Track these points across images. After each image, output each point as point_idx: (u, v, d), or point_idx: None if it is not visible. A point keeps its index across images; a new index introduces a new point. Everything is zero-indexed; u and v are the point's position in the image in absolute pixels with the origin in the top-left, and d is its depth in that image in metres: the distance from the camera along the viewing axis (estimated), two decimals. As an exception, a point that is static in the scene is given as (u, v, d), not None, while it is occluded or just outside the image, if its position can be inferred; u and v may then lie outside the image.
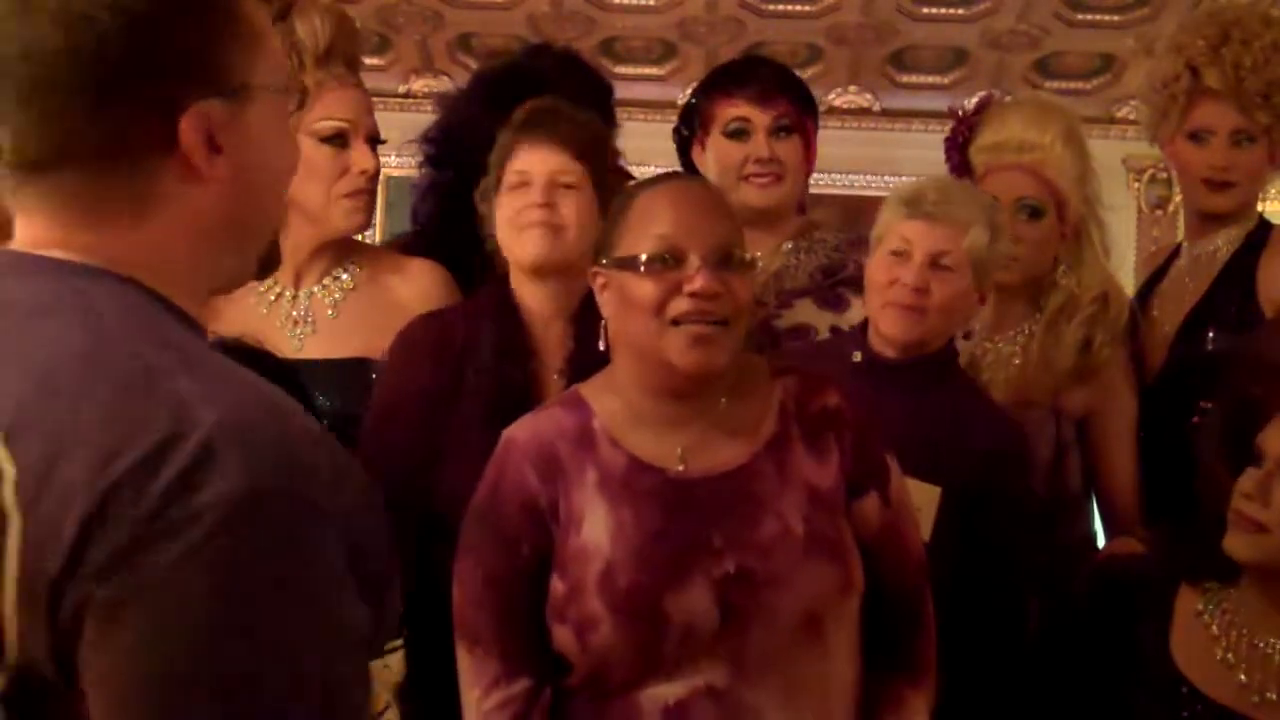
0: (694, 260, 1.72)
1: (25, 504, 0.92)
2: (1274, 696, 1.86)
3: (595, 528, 1.72)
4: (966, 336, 2.32)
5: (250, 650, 0.90)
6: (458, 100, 2.64)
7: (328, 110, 2.30)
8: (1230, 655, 1.90)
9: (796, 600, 1.71)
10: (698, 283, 1.70)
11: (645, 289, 1.72)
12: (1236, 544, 1.87)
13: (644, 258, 1.73)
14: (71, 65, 1.00)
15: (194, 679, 0.90)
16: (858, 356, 2.19)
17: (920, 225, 2.14)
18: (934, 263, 2.13)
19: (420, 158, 2.60)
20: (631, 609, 1.68)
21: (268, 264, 1.17)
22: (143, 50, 1.01)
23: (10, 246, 1.06)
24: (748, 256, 1.78)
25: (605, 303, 1.80)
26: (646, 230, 1.74)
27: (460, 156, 2.48)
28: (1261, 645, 1.89)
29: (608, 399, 1.80)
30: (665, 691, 1.69)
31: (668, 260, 1.72)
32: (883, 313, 2.16)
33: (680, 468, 1.76)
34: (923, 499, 2.02)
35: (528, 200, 2.13)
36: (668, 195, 1.78)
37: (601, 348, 1.82)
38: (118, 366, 0.96)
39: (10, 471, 0.93)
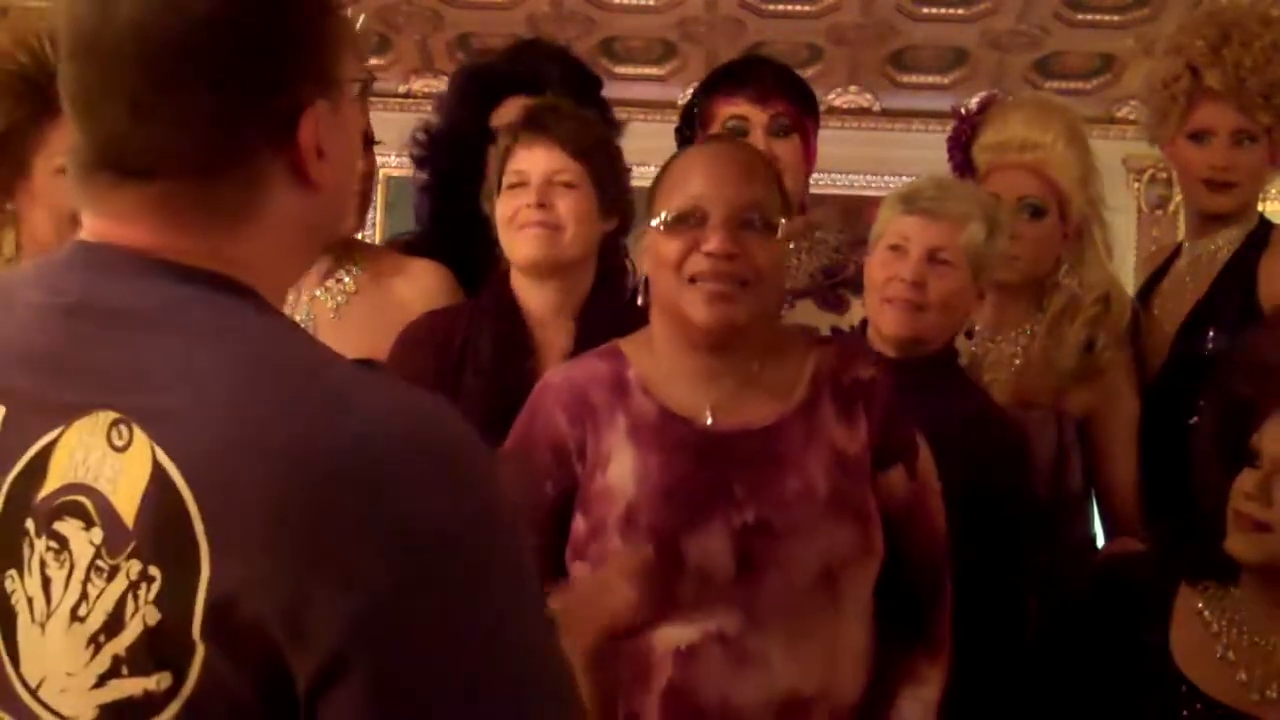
0: (714, 221, 1.75)
1: (211, 534, 0.86)
2: (1274, 694, 1.87)
3: (621, 470, 1.76)
4: (969, 336, 2.32)
5: (530, 666, 0.89)
6: (442, 98, 2.64)
7: None
8: (1230, 653, 1.90)
9: (813, 555, 1.73)
10: (713, 243, 1.74)
11: (668, 247, 1.77)
12: (1239, 544, 1.87)
13: (667, 216, 1.77)
14: (188, 57, 0.92)
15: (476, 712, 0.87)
16: (858, 356, 2.19)
17: (917, 220, 2.15)
18: (931, 257, 2.13)
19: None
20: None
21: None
22: (262, 43, 0.94)
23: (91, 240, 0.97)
24: (774, 220, 1.79)
25: (644, 260, 1.84)
26: (678, 190, 1.79)
27: (447, 154, 2.48)
28: (1261, 643, 1.89)
29: (644, 353, 1.84)
30: (677, 635, 1.71)
31: (689, 219, 1.76)
32: (881, 310, 2.16)
33: (709, 421, 1.78)
34: (923, 499, 2.02)
35: (524, 200, 2.13)
36: (704, 156, 1.86)
37: (640, 303, 1.86)
38: (283, 384, 0.90)
39: (190, 496, 0.87)
